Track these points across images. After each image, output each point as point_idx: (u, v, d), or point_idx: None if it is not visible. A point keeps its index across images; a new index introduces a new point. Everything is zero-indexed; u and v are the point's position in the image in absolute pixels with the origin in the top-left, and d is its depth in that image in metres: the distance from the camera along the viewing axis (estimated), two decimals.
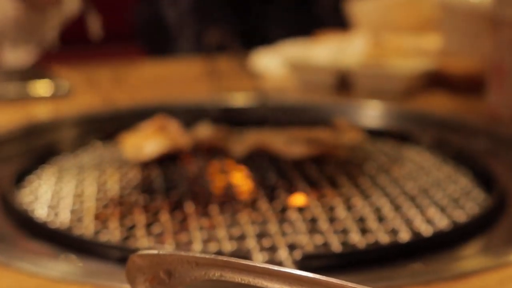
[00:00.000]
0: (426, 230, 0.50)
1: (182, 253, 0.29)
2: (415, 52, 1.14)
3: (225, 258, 0.28)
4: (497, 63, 0.78)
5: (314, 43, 1.25)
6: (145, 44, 1.79)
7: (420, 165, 0.66)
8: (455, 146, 0.71)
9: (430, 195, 0.57)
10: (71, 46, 1.27)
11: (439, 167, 0.66)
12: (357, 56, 1.08)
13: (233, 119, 0.84)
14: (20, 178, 0.62)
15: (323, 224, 0.50)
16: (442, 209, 0.54)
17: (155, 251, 0.29)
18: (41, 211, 0.55)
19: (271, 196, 0.56)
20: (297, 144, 0.66)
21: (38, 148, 0.71)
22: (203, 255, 0.28)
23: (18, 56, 1.20)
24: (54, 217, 0.54)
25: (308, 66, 1.04)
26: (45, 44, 1.22)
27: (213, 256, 0.28)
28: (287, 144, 0.66)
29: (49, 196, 0.58)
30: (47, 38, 1.21)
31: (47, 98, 0.94)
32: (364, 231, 0.49)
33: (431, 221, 0.52)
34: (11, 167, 0.64)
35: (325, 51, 1.12)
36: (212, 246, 0.47)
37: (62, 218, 0.53)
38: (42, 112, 0.88)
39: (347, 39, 1.21)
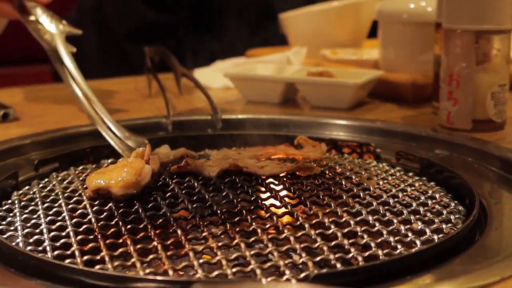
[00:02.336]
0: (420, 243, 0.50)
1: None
2: (355, 63, 1.16)
3: None
4: (448, 72, 0.80)
5: (252, 60, 1.25)
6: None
7: (391, 179, 0.66)
8: (419, 157, 0.72)
9: (412, 209, 0.57)
10: None
11: (407, 179, 0.67)
12: (299, 69, 1.08)
13: (188, 137, 0.83)
14: None
15: (319, 241, 0.49)
16: (428, 223, 0.54)
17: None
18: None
19: (256, 215, 0.55)
20: (270, 165, 0.65)
21: None
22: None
23: None
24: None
25: (253, 78, 1.04)
26: None
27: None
28: (260, 165, 0.66)
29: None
30: None
31: None
32: (362, 246, 0.49)
33: (422, 234, 0.52)
34: None
35: (266, 65, 1.13)
36: (212, 270, 0.45)
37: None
38: None
39: (283, 53, 1.21)
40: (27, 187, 0.67)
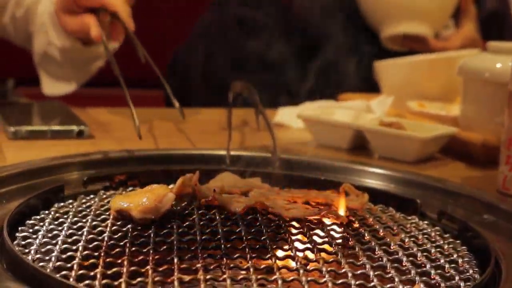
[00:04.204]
0: None
1: None
2: (435, 118, 1.13)
3: None
4: (508, 135, 0.77)
5: (338, 105, 1.26)
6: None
7: (420, 238, 0.65)
8: (458, 219, 0.70)
9: (422, 271, 0.56)
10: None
11: (438, 240, 0.65)
12: (375, 117, 1.08)
13: (242, 172, 0.85)
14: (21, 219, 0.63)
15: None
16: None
17: None
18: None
19: (257, 255, 0.55)
20: (296, 208, 0.65)
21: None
22: None
23: (57, 86, 1.22)
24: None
25: (323, 122, 1.04)
26: (84, 80, 1.25)
27: None
28: (287, 206, 0.66)
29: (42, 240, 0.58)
30: (87, 74, 1.24)
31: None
32: None
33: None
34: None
35: (345, 111, 1.13)
36: None
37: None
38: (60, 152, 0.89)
39: (368, 101, 1.21)
40: (70, 201, 0.71)
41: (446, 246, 0.63)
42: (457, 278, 0.55)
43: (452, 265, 0.58)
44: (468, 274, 0.57)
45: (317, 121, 1.04)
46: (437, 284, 0.54)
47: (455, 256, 0.61)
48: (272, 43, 1.62)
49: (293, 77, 1.71)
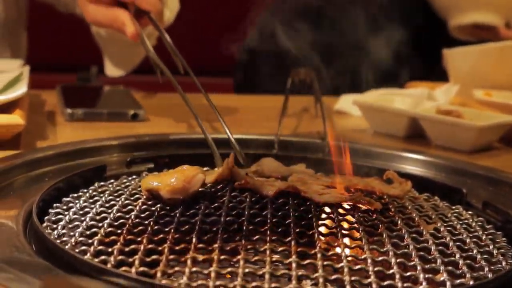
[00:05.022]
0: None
1: None
2: (502, 107, 1.09)
3: None
4: None
5: (399, 91, 1.23)
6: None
7: (458, 228, 0.62)
8: (502, 210, 0.67)
9: (447, 261, 0.54)
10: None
11: (477, 231, 0.62)
12: (434, 105, 1.04)
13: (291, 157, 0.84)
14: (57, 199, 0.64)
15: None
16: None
17: None
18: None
19: (277, 238, 0.55)
20: (330, 194, 0.64)
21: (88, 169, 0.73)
22: None
23: (114, 68, 1.24)
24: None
25: (378, 108, 1.02)
26: (136, 63, 1.25)
27: None
28: (321, 191, 0.65)
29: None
30: (140, 57, 1.25)
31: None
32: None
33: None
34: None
35: (405, 98, 1.10)
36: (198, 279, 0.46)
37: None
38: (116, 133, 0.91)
39: (434, 89, 1.18)
40: (111, 180, 0.72)
41: (484, 237, 0.61)
42: (486, 269, 0.53)
43: (485, 256, 0.56)
44: (500, 266, 0.55)
45: (372, 108, 1.02)
46: (463, 274, 0.51)
47: (491, 247, 0.58)
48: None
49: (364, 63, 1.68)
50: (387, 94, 1.19)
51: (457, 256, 0.55)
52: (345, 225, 0.59)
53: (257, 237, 0.54)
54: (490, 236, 0.62)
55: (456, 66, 1.29)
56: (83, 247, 0.52)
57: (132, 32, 0.87)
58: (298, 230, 0.56)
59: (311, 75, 1.13)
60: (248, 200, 0.63)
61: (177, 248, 0.52)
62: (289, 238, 0.54)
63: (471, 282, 0.50)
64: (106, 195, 0.65)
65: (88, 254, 0.50)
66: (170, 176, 0.62)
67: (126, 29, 0.88)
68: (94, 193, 0.67)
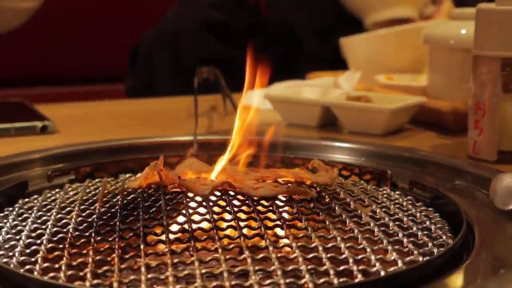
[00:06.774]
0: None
1: None
2: (404, 89, 1.13)
3: None
4: (475, 100, 0.77)
5: (305, 83, 1.25)
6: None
7: (392, 208, 0.64)
8: (429, 187, 0.69)
9: (395, 240, 0.55)
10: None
11: (411, 209, 0.64)
12: (343, 92, 1.07)
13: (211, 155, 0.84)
14: None
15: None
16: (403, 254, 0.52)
17: None
18: None
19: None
20: (265, 187, 0.64)
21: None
22: None
23: None
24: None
25: (290, 100, 1.03)
26: None
27: None
28: (255, 186, 0.65)
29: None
30: None
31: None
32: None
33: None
34: None
35: (313, 88, 1.12)
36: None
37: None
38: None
39: (331, 77, 1.20)
40: (35, 196, 0.69)
41: (418, 215, 0.63)
42: (430, 244, 0.55)
43: (425, 232, 0.57)
44: (441, 240, 0.56)
45: (284, 100, 1.03)
46: (410, 251, 0.53)
47: (427, 223, 0.60)
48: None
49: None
50: (293, 86, 1.21)
51: (400, 234, 0.56)
52: (287, 216, 0.59)
53: (205, 237, 0.54)
54: (423, 213, 0.64)
55: (355, 54, 1.32)
56: (28, 266, 0.49)
57: None
58: (243, 225, 0.56)
59: (216, 73, 1.13)
60: (184, 201, 0.62)
61: (126, 256, 0.50)
62: (238, 234, 0.54)
63: (420, 258, 0.51)
64: (35, 211, 0.62)
65: (35, 273, 0.48)
66: None
67: None
68: (21, 210, 0.64)
